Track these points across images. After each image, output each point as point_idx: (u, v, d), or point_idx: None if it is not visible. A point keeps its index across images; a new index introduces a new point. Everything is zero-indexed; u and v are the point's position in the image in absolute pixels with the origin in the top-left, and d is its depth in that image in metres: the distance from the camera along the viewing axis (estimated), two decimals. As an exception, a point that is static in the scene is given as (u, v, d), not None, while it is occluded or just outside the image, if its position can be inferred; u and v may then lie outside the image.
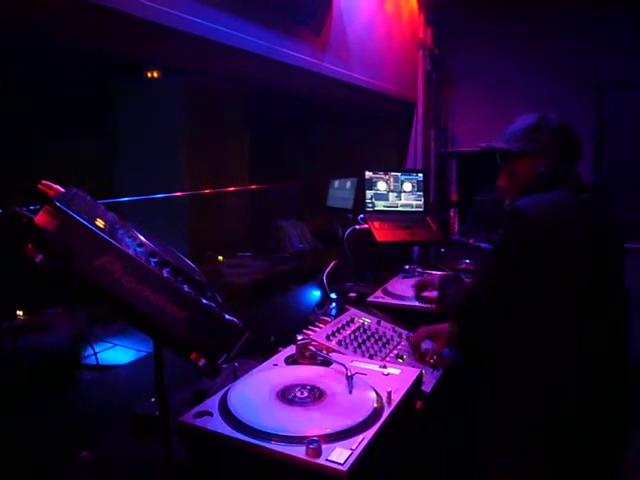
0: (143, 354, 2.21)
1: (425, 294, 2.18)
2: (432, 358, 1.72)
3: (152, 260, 0.99)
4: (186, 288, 0.98)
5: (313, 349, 1.51)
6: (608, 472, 1.62)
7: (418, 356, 1.75)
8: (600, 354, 1.57)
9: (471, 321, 1.73)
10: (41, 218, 0.88)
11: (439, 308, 2.01)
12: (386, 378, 1.35)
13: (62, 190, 1.01)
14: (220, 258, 3.53)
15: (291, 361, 1.51)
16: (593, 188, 1.75)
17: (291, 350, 1.55)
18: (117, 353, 2.44)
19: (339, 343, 1.74)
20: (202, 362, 0.97)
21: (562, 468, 1.54)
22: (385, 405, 1.20)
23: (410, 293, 2.24)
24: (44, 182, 1.01)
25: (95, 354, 1.81)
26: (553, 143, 1.69)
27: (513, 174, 1.78)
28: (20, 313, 2.18)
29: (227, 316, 1.02)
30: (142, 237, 1.04)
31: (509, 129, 1.79)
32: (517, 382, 1.59)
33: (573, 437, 1.53)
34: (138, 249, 1.00)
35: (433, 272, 2.63)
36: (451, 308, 1.87)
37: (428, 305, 2.15)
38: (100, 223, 0.96)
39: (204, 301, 0.99)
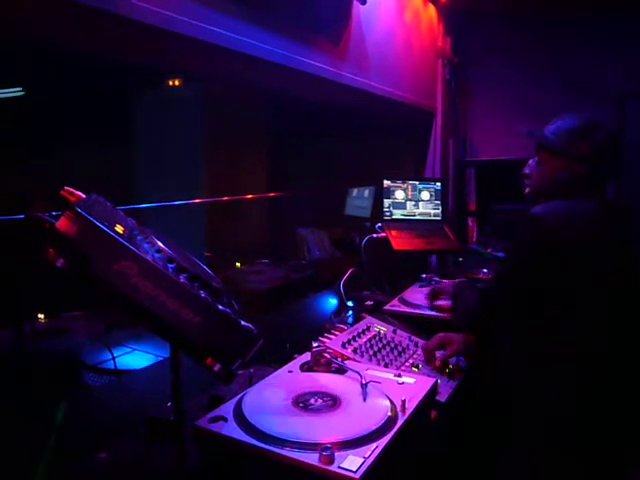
0: (161, 359, 2.23)
1: (439, 302, 2.17)
2: (444, 365, 1.72)
3: (170, 266, 1.01)
4: (202, 294, 1.00)
5: (328, 356, 1.51)
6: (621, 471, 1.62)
7: (428, 362, 1.75)
8: (616, 364, 1.57)
9: (484, 329, 1.72)
10: (62, 223, 0.91)
11: (452, 316, 1.98)
12: (401, 387, 1.34)
13: (83, 196, 1.03)
14: (238, 264, 3.56)
15: (306, 368, 1.51)
16: (614, 205, 1.72)
17: (306, 357, 1.56)
18: (136, 358, 2.47)
19: (354, 351, 1.74)
20: (217, 367, 0.98)
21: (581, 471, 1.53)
22: (399, 414, 1.20)
23: (426, 302, 2.23)
24: (66, 188, 1.03)
25: (113, 358, 1.83)
26: (589, 154, 1.62)
27: (540, 165, 1.73)
28: (41, 316, 2.22)
29: (243, 322, 1.03)
30: (160, 243, 1.06)
31: (558, 120, 1.71)
32: (536, 385, 1.59)
33: (596, 439, 1.53)
34: (156, 255, 1.01)
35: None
36: (464, 316, 1.86)
37: (442, 314, 2.13)
38: (119, 229, 0.98)
39: (220, 307, 1.00)
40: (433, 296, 2.19)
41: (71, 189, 1.04)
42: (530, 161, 1.78)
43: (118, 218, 1.06)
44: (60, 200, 1.01)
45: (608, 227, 1.62)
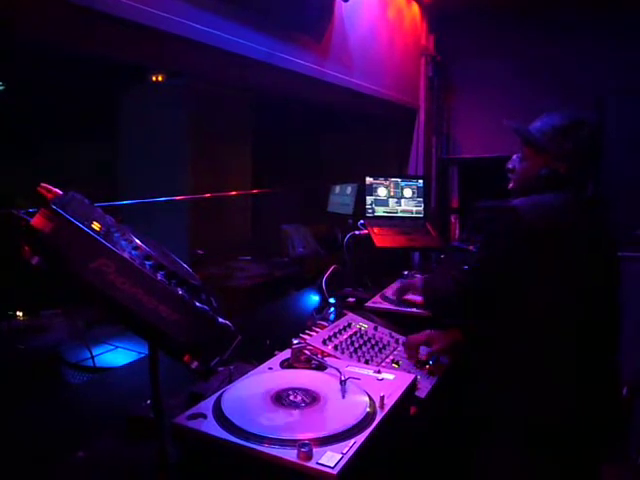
0: (142, 356, 2.22)
1: (407, 297, 2.21)
2: (427, 361, 1.74)
3: (147, 263, 1.00)
4: (180, 291, 1.00)
5: (308, 353, 1.52)
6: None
7: (410, 357, 1.78)
8: (593, 363, 1.59)
9: (459, 315, 1.83)
10: (37, 221, 0.90)
11: (425, 308, 2.07)
12: (380, 383, 1.35)
13: (60, 193, 1.02)
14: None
15: (286, 365, 1.51)
16: (592, 200, 1.75)
17: (287, 354, 1.56)
18: (118, 355, 2.45)
19: (335, 348, 1.75)
20: (195, 364, 0.98)
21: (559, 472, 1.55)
22: (378, 410, 1.21)
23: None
24: (43, 185, 1.02)
25: (92, 357, 1.82)
26: (571, 152, 1.64)
27: (523, 161, 1.75)
28: (19, 314, 2.20)
29: (220, 319, 1.03)
30: (138, 240, 1.05)
31: (544, 116, 1.73)
32: (515, 387, 1.61)
33: (570, 442, 1.55)
34: (133, 252, 1.01)
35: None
36: (435, 306, 1.95)
37: (409, 308, 2.19)
38: (96, 226, 0.97)
39: (197, 304, 1.00)
40: (402, 291, 2.24)
41: (48, 186, 1.03)
42: (514, 156, 1.80)
43: (95, 215, 1.05)
44: (39, 197, 1.00)
45: (584, 219, 1.65)
